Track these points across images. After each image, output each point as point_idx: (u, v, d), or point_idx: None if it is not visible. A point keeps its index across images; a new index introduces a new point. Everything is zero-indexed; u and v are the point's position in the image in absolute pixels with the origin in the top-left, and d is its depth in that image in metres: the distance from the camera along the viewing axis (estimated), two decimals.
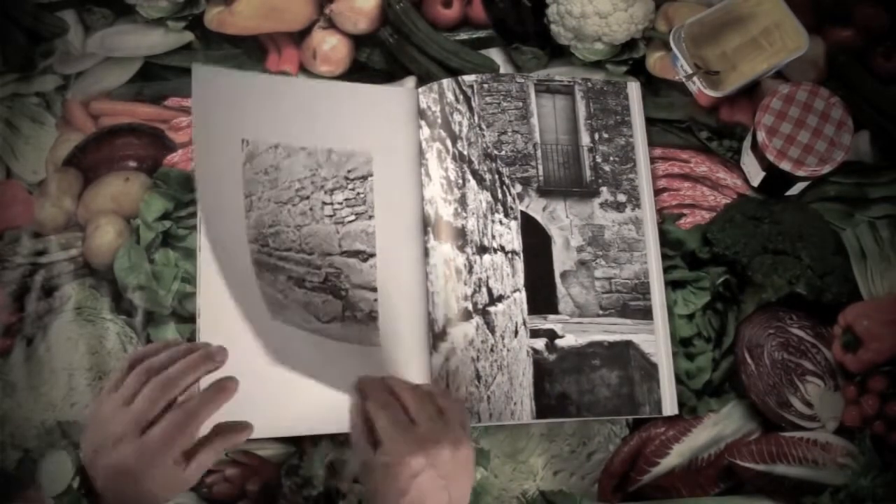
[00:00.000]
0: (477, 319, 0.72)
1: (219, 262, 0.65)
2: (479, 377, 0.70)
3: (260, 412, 0.69)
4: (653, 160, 0.78)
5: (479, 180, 0.76)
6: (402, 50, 0.82)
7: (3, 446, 0.73)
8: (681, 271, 0.75)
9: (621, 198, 0.76)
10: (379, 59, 0.83)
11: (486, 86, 0.79)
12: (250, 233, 0.69)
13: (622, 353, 0.72)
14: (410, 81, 0.82)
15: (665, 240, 0.76)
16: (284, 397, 0.70)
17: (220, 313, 0.73)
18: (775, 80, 0.80)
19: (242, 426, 0.61)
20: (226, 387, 0.59)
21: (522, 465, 0.72)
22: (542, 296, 0.73)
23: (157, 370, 0.58)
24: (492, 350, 0.72)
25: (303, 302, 0.70)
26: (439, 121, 0.76)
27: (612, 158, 0.77)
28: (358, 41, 0.84)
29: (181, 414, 0.57)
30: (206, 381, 0.60)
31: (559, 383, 0.71)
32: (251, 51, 0.84)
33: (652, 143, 0.79)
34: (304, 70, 0.83)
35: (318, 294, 0.71)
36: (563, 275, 0.74)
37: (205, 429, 0.59)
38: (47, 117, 0.83)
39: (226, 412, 0.64)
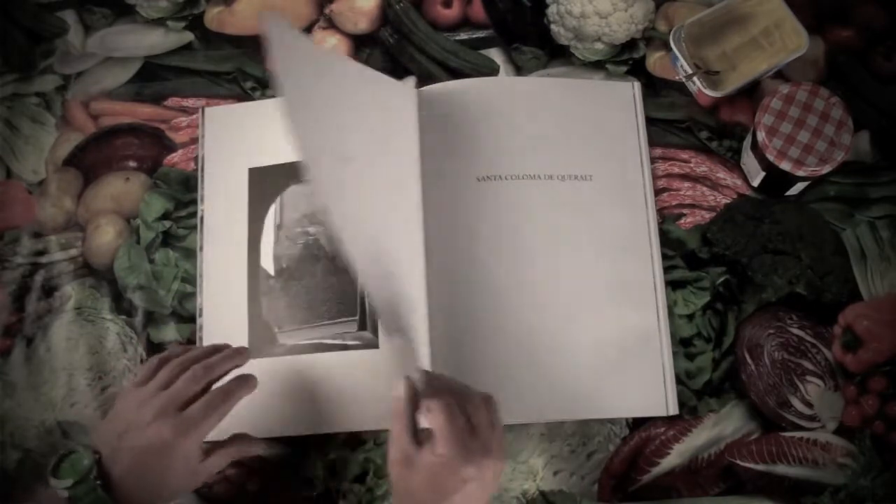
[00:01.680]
0: None
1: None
2: None
3: (260, 412, 0.69)
4: (653, 160, 0.78)
5: None
6: (402, 50, 0.82)
7: (3, 446, 0.73)
8: (681, 271, 0.75)
9: None
10: (379, 59, 0.83)
11: None
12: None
13: None
14: (410, 81, 0.82)
15: (665, 240, 0.76)
16: (284, 398, 0.70)
17: (223, 313, 0.73)
18: (775, 80, 0.80)
19: (256, 441, 0.65)
20: (249, 379, 0.64)
21: (522, 465, 0.72)
22: None
23: (193, 363, 0.62)
24: None
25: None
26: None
27: None
28: (358, 41, 0.84)
29: (218, 393, 0.61)
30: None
31: None
32: (251, 51, 0.84)
33: (652, 143, 0.79)
34: None
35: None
36: None
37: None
38: (47, 117, 0.83)
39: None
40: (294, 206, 0.76)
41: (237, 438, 0.65)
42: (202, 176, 0.78)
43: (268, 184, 0.76)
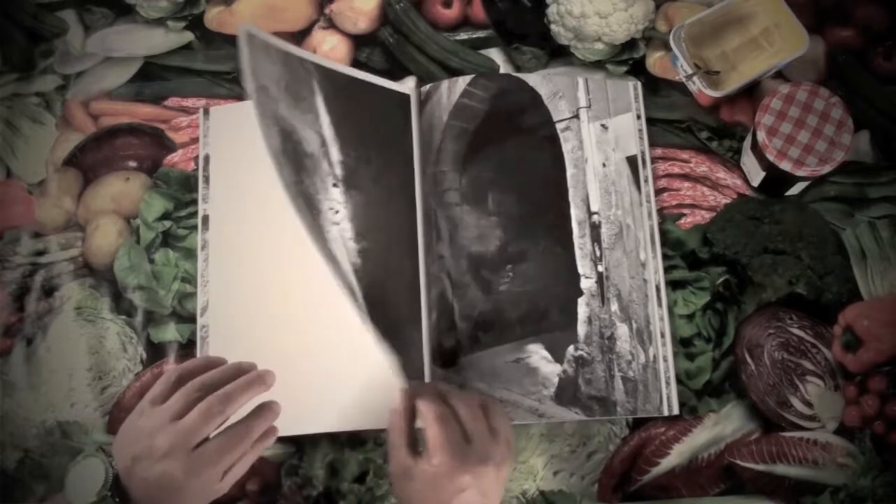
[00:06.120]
0: None
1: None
2: None
3: None
4: (653, 160, 0.78)
5: None
6: (402, 50, 0.82)
7: (3, 446, 0.73)
8: (681, 271, 0.75)
9: None
10: (379, 59, 0.83)
11: None
12: None
13: None
14: (410, 81, 0.82)
15: (665, 240, 0.76)
16: (285, 397, 0.70)
17: (227, 313, 0.73)
18: (775, 80, 0.80)
19: (271, 431, 0.62)
20: (273, 408, 0.61)
21: (522, 465, 0.72)
22: None
23: (211, 388, 0.58)
24: None
25: None
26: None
27: None
28: (358, 41, 0.84)
29: (234, 435, 0.58)
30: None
31: None
32: None
33: (652, 143, 0.79)
34: None
35: None
36: None
37: None
38: (47, 117, 0.83)
39: None
40: None
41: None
42: (203, 176, 0.78)
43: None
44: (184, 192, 0.79)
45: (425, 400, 0.58)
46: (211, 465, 0.57)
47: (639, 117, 0.78)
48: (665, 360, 0.71)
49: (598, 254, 0.73)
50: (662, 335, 0.72)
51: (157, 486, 0.56)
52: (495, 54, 0.83)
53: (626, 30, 0.80)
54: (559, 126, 0.77)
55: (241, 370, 0.61)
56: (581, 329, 0.71)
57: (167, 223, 0.78)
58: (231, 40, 0.84)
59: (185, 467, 0.56)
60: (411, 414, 0.59)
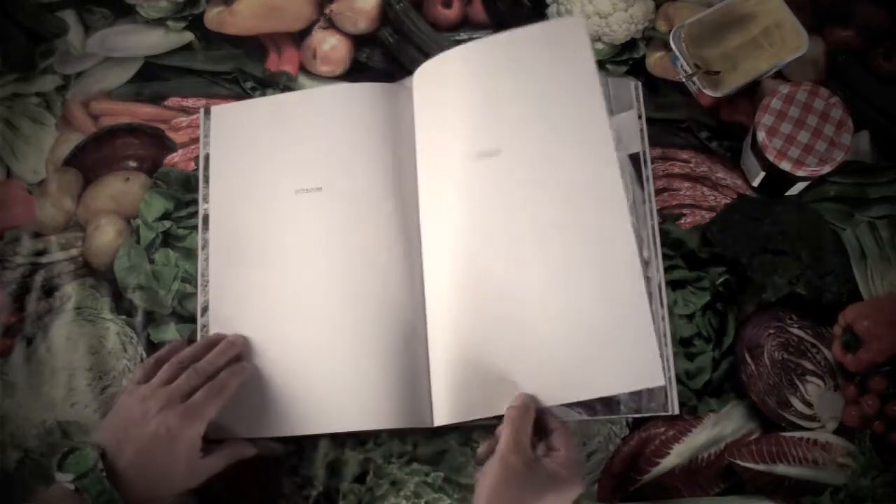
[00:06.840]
0: None
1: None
2: None
3: (260, 412, 0.69)
4: (653, 160, 0.78)
5: None
6: (402, 50, 0.82)
7: (3, 446, 0.73)
8: (681, 271, 0.75)
9: None
10: (379, 59, 0.83)
11: None
12: None
13: None
14: (410, 81, 0.82)
15: (665, 240, 0.76)
16: (286, 397, 0.70)
17: (227, 313, 0.73)
18: (775, 80, 0.80)
19: (250, 446, 0.68)
20: (244, 367, 0.68)
21: None
22: None
23: (190, 361, 0.66)
24: None
25: None
26: None
27: None
28: (358, 41, 0.84)
29: (217, 383, 0.65)
30: None
31: None
32: (251, 51, 0.84)
33: (652, 143, 0.79)
34: (304, 70, 0.84)
35: None
36: None
37: None
38: (47, 117, 0.83)
39: (229, 409, 0.65)
40: None
41: (233, 442, 0.68)
42: (203, 176, 0.78)
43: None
44: (184, 192, 0.79)
45: (546, 409, 0.63)
46: (200, 414, 0.62)
47: (640, 117, 0.78)
48: (667, 359, 0.72)
49: None
50: (664, 335, 0.72)
51: (151, 442, 0.60)
52: None
53: (626, 30, 0.80)
54: None
55: (212, 343, 0.69)
56: None
57: (167, 223, 0.78)
58: (231, 40, 0.85)
59: (178, 415, 0.61)
60: (535, 416, 0.62)
